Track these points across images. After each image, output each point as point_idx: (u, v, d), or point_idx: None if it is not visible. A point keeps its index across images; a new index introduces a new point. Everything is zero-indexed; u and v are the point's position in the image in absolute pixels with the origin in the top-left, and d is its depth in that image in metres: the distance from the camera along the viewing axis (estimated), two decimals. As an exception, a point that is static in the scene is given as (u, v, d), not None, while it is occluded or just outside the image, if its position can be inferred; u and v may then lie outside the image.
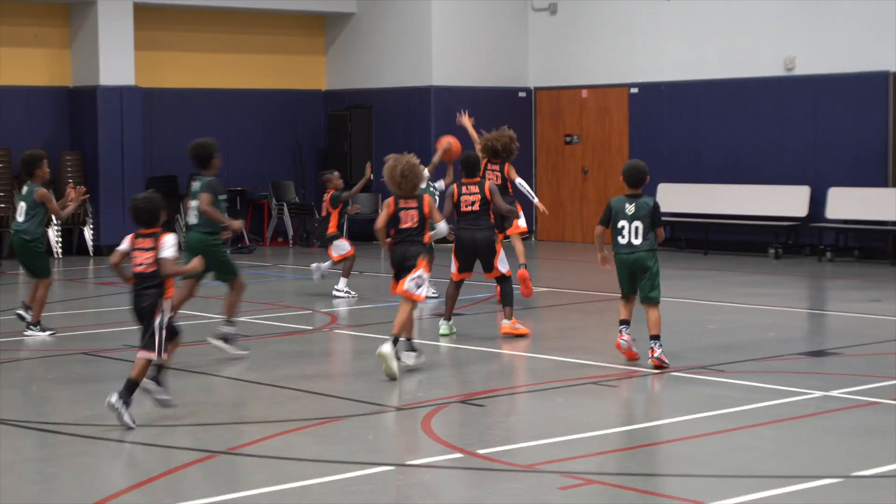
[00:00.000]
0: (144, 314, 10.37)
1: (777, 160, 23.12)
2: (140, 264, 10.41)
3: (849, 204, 22.15)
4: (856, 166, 22.22)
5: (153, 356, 10.33)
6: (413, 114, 25.92)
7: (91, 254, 23.77)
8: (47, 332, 14.55)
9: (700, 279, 19.86)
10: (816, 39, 22.73)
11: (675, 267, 21.26)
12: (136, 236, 10.50)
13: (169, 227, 24.61)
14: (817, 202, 22.54)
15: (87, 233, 23.98)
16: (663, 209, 24.07)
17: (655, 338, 12.35)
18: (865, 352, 13.21)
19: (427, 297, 14.17)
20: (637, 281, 12.49)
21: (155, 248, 10.36)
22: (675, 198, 24.24)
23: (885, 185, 21.91)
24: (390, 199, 12.59)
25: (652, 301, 12.46)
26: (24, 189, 14.52)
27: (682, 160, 24.44)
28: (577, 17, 25.99)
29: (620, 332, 12.57)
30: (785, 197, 22.90)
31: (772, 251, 22.66)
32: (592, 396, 11.33)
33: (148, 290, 10.34)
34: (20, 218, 14.41)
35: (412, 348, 12.51)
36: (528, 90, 26.87)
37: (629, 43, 25.25)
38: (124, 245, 10.52)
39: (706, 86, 24.12)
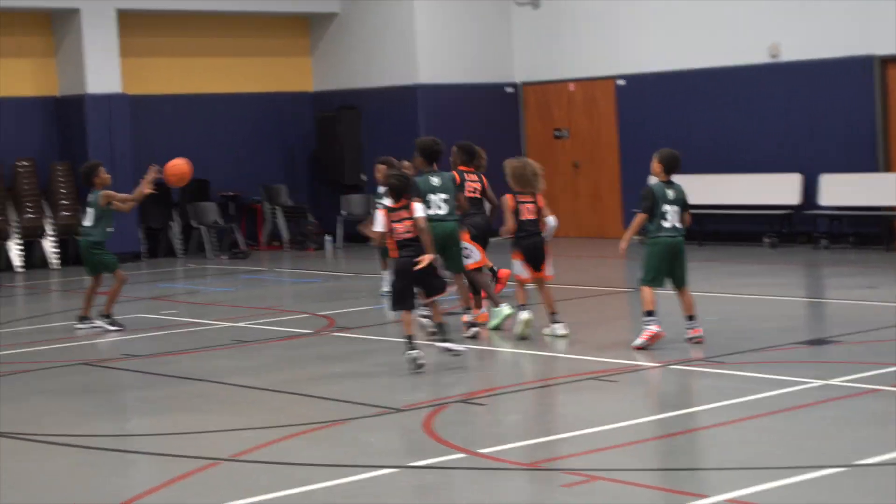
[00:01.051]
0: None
1: (767, 148, 23.12)
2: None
3: (841, 190, 22.15)
4: (846, 152, 22.23)
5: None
6: (401, 113, 25.90)
7: (85, 263, 23.73)
8: (115, 328, 15.45)
9: (695, 270, 19.70)
10: (800, 26, 22.72)
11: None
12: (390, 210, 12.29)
13: (164, 235, 24.79)
14: (810, 189, 22.55)
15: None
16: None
17: (693, 318, 13.08)
18: (865, 339, 13.21)
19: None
20: (672, 265, 13.06)
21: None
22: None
23: (875, 169, 21.93)
24: (509, 196, 13.76)
25: (686, 284, 13.23)
26: (90, 197, 15.51)
27: (672, 151, 24.38)
28: (561, 10, 25.97)
29: (656, 322, 12.92)
30: (777, 185, 22.90)
31: (766, 240, 22.66)
32: (593, 392, 11.33)
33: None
34: (87, 223, 15.43)
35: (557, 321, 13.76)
36: (514, 85, 26.85)
37: (614, 34, 25.23)
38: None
39: (693, 75, 24.12)
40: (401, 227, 12.32)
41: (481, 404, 10.90)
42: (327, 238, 25.93)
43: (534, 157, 26.39)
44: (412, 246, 12.30)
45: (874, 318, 14.52)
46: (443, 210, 13.85)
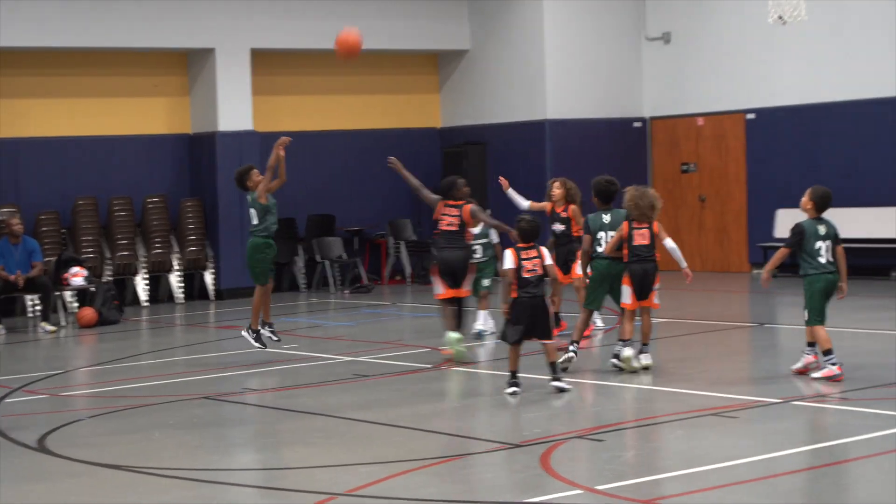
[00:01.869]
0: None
1: (895, 182, 22.75)
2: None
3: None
4: (979, 185, 21.82)
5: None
6: (528, 148, 25.92)
7: (212, 297, 24.06)
8: (274, 338, 15.86)
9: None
10: (934, 58, 22.41)
11: (796, 294, 20.95)
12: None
13: (288, 269, 25.04)
14: (941, 223, 22.17)
15: (209, 277, 24.28)
16: (780, 235, 24.00)
17: (830, 351, 12.99)
18: None
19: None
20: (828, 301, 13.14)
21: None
22: (794, 223, 23.91)
23: None
24: (624, 223, 13.87)
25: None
26: (248, 198, 15.75)
27: (800, 185, 23.87)
28: (691, 44, 25.85)
29: (834, 363, 12.92)
30: (906, 218, 22.53)
31: (894, 274, 22.29)
32: (713, 428, 11.21)
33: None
34: (254, 221, 15.75)
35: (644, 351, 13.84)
36: (643, 120, 26.75)
37: (744, 69, 25.06)
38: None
39: (823, 109, 23.84)
40: (528, 265, 12.67)
41: (599, 440, 10.83)
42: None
43: (660, 191, 26.26)
44: (533, 284, 12.67)
45: None
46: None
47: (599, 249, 14.20)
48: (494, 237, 16.94)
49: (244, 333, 15.83)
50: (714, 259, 25.62)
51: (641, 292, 13.91)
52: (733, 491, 9.15)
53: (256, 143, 24.46)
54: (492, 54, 26.61)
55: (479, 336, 16.80)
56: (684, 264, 14.14)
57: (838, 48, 23.59)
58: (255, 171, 15.90)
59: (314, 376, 14.78)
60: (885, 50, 22.98)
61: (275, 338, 15.78)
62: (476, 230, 16.46)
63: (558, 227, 16.66)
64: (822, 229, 13.23)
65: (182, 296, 23.94)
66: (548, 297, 13.06)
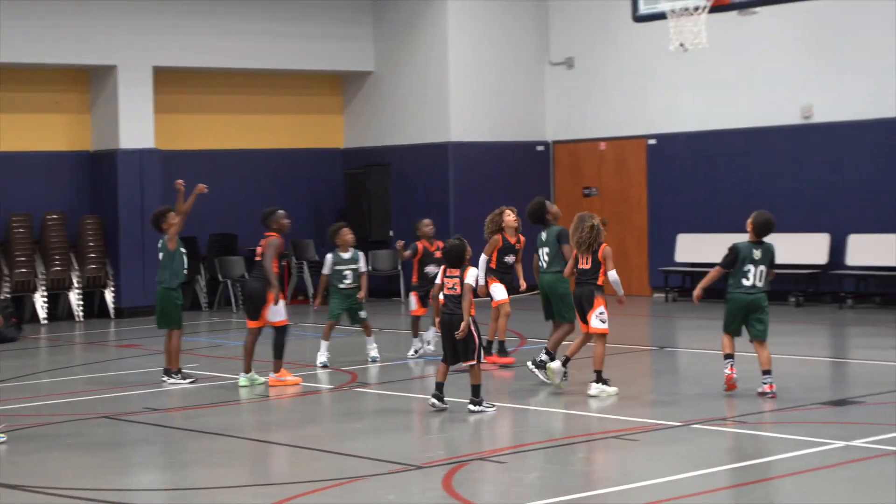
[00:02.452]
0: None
1: (796, 208, 23.09)
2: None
3: (869, 251, 22.12)
4: (875, 213, 22.19)
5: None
6: (431, 170, 25.98)
7: (112, 316, 23.83)
8: (188, 381, 15.47)
9: (720, 329, 19.77)
10: (833, 87, 22.76)
11: (695, 317, 21.22)
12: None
13: (190, 288, 24.90)
14: (837, 249, 22.51)
15: (108, 295, 24.05)
16: (681, 259, 24.28)
17: (768, 373, 13.39)
18: (888, 400, 13.16)
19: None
20: (747, 319, 13.62)
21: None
22: (694, 248, 24.24)
23: (904, 231, 21.88)
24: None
25: (763, 338, 13.59)
26: (160, 243, 15.71)
27: (700, 210, 24.44)
28: (594, 70, 26.08)
29: (731, 366, 13.56)
30: (805, 245, 22.86)
31: (792, 299, 22.62)
32: (614, 451, 11.30)
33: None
34: (161, 268, 15.60)
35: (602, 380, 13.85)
36: (545, 144, 26.93)
37: (646, 95, 25.32)
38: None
39: (724, 135, 24.15)
40: (449, 283, 13.08)
41: (502, 462, 10.87)
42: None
43: (563, 215, 26.60)
44: (454, 303, 13.01)
45: (899, 380, 14.47)
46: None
47: (543, 265, 15.13)
48: (363, 265, 16.95)
49: (169, 379, 15.60)
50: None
51: (581, 314, 14.21)
52: (634, 513, 9.24)
53: (158, 161, 24.31)
54: (396, 76, 26.66)
55: (373, 361, 16.79)
56: (621, 292, 14.27)
57: (738, 76, 23.92)
58: (173, 213, 15.79)
59: (216, 396, 14.70)
60: (784, 78, 23.33)
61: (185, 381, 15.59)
62: (346, 255, 16.74)
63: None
64: (757, 254, 13.77)
65: (81, 314, 23.70)
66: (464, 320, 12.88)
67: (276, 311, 15.14)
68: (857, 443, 10.95)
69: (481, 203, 25.95)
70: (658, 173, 25.16)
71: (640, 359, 17.15)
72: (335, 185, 27.36)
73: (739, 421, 12.17)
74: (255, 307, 15.22)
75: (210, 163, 25.81)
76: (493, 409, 13.03)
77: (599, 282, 14.11)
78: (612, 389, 13.83)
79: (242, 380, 15.16)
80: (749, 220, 14.07)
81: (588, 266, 14.14)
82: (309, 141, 27.30)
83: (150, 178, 24.22)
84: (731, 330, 13.75)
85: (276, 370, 15.16)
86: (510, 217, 16.49)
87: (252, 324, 15.26)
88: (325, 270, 16.90)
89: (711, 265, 23.40)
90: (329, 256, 16.91)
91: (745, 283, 13.67)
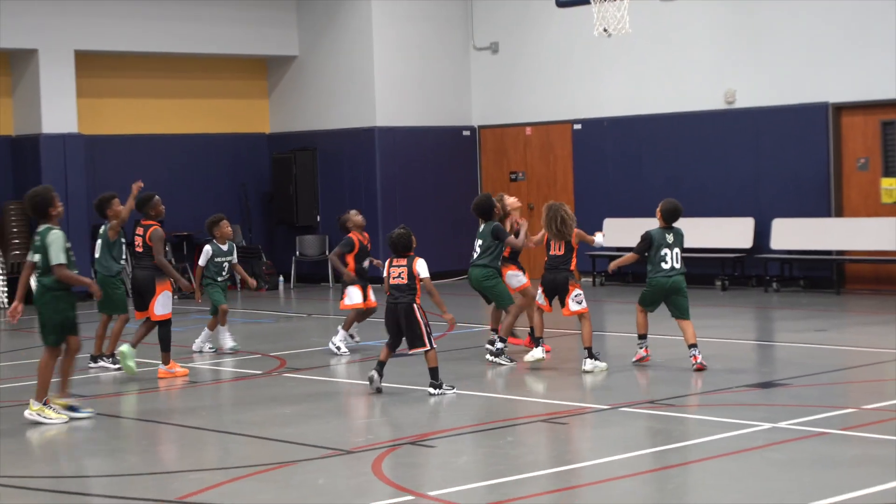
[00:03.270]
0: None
1: (721, 192, 23.28)
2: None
3: (792, 234, 22.34)
4: (798, 197, 22.40)
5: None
6: (357, 155, 25.94)
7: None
8: (117, 366, 15.32)
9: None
10: (756, 72, 22.94)
11: (622, 301, 21.34)
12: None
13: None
14: (762, 233, 22.72)
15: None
16: (609, 244, 24.41)
17: (695, 346, 14.12)
18: (813, 382, 13.30)
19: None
20: (668, 300, 14.38)
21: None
22: (621, 232, 24.31)
23: (827, 214, 22.11)
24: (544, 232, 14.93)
25: (687, 316, 14.36)
26: (101, 229, 15.69)
27: (626, 195, 24.57)
28: (519, 55, 26.12)
29: (645, 347, 14.54)
30: (730, 229, 23.05)
31: (718, 283, 22.80)
32: (542, 434, 11.34)
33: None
34: (97, 254, 15.61)
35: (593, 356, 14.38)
36: (472, 128, 26.96)
37: (571, 80, 25.41)
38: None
39: (648, 120, 24.29)
40: (394, 273, 13.27)
41: (431, 446, 10.88)
42: (280, 278, 25.97)
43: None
44: (399, 290, 13.25)
45: (823, 362, 14.64)
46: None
47: (473, 256, 15.38)
48: (235, 258, 16.95)
49: (100, 363, 15.53)
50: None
51: (556, 298, 14.79)
52: (565, 496, 9.27)
53: (81, 146, 24.10)
54: (321, 60, 26.58)
55: (234, 350, 16.74)
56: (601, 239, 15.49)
57: (662, 61, 24.05)
58: (118, 200, 15.68)
59: (144, 382, 14.61)
60: (707, 63, 23.49)
61: (114, 367, 15.47)
62: (225, 248, 16.84)
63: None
64: (670, 238, 14.40)
65: (6, 300, 23.45)
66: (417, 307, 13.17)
67: (164, 304, 15.00)
68: (782, 424, 11.06)
69: (408, 188, 26.04)
70: (584, 158, 25.26)
71: (568, 343, 17.21)
72: (262, 169, 27.25)
73: (667, 404, 12.25)
74: (143, 299, 15.15)
75: (134, 148, 25.64)
76: (453, 390, 13.24)
77: (572, 267, 14.72)
78: (603, 364, 14.38)
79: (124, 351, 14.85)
80: (658, 208, 14.60)
81: (561, 252, 14.75)
82: (234, 125, 27.17)
83: (74, 163, 24.00)
84: (649, 308, 14.61)
85: (165, 362, 14.94)
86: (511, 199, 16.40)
87: (140, 315, 15.23)
88: (202, 262, 16.78)
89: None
90: (208, 248, 16.79)
91: (665, 266, 14.35)
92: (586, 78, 25.18)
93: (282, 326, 18.87)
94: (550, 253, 14.81)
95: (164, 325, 14.96)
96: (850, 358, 15.12)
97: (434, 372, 13.23)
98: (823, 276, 22.18)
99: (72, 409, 12.48)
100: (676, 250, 14.42)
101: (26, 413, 12.43)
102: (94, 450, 11.44)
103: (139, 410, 12.84)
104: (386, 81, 25.83)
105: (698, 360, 14.00)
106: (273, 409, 12.84)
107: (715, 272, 22.95)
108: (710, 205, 23.36)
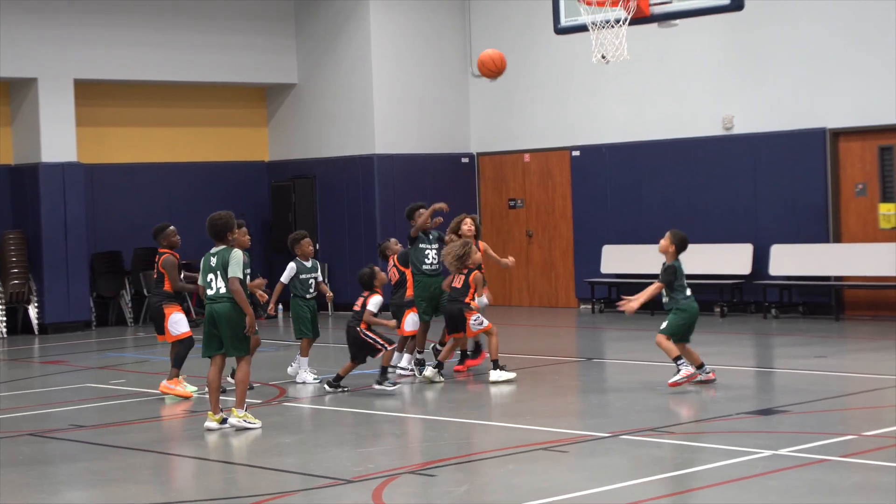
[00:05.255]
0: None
1: (719, 219, 23.31)
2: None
3: (791, 260, 22.36)
4: (797, 223, 22.43)
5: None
6: (356, 182, 25.98)
7: (36, 332, 23.62)
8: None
9: (646, 340, 19.88)
10: (753, 98, 23.00)
11: (621, 328, 21.35)
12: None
13: (115, 303, 24.74)
14: (760, 259, 22.74)
15: (32, 311, 23.82)
16: (606, 271, 24.44)
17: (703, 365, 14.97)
18: (813, 409, 13.30)
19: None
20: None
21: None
22: (620, 259, 24.39)
23: (826, 240, 22.13)
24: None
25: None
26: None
27: (625, 221, 24.60)
28: (518, 82, 26.16)
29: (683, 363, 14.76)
30: (728, 255, 23.07)
31: (717, 309, 22.80)
32: (543, 462, 11.33)
33: None
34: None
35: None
36: (470, 155, 27.01)
37: (570, 106, 25.46)
38: None
39: (647, 147, 24.32)
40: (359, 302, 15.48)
41: (431, 475, 10.87)
42: (280, 307, 25.91)
43: (488, 226, 26.83)
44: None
45: (822, 388, 14.63)
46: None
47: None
48: (319, 274, 16.95)
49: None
50: (541, 294, 25.91)
51: (454, 328, 15.80)
52: (565, 524, 9.27)
53: (81, 175, 24.14)
54: (320, 88, 26.64)
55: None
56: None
57: (660, 87, 24.11)
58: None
59: (143, 412, 14.60)
60: (705, 89, 23.54)
61: None
62: (308, 263, 16.71)
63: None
64: (683, 267, 15.07)
65: (4, 330, 23.46)
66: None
67: (177, 324, 15.40)
68: (782, 451, 11.06)
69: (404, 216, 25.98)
70: (582, 184, 25.29)
71: (568, 370, 17.22)
72: (261, 198, 27.29)
73: (667, 431, 12.25)
74: (158, 325, 15.60)
75: (134, 176, 25.69)
76: (395, 387, 15.09)
77: (467, 299, 15.71)
78: (510, 374, 15.49)
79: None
80: (667, 241, 15.14)
81: (459, 286, 15.74)
82: (234, 154, 27.22)
83: (73, 192, 24.03)
84: (686, 339, 15.01)
85: (170, 377, 15.24)
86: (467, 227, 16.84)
87: (161, 338, 15.71)
88: (285, 279, 16.65)
89: (637, 276, 23.86)
90: (292, 265, 16.65)
91: (689, 293, 15.09)
92: (585, 104, 25.23)
93: (281, 355, 18.84)
94: (452, 285, 15.85)
95: (182, 344, 15.36)
96: (850, 384, 15.12)
97: (384, 371, 15.19)
98: (822, 301, 22.18)
99: (224, 421, 13.11)
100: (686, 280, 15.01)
101: (231, 420, 13.03)
102: (92, 480, 11.41)
103: (139, 440, 12.82)
104: (385, 109, 25.89)
105: (714, 377, 14.93)
106: (273, 439, 12.83)
107: (714, 299, 22.95)
108: (708, 231, 23.38)
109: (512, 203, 26.52)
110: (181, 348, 15.35)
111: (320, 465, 11.34)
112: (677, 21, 20.29)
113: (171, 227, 15.84)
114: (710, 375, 15.00)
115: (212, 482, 11.16)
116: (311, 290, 16.56)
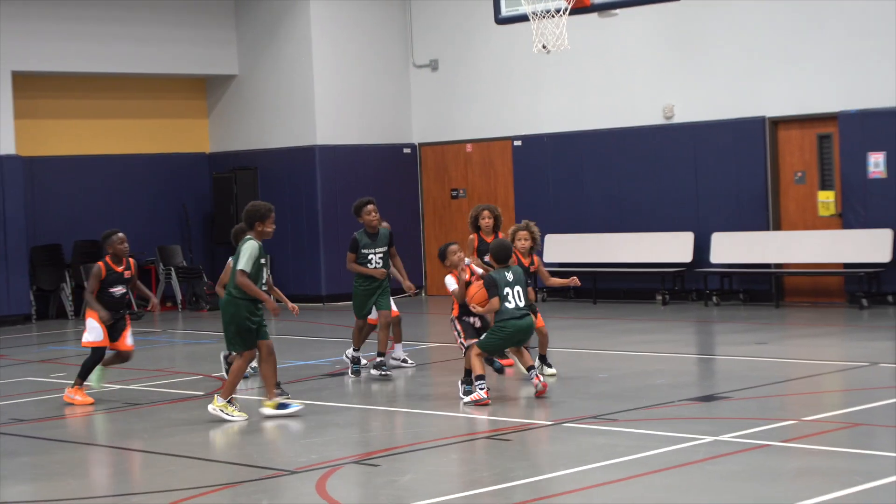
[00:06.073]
0: None
1: (660, 207, 23.42)
2: None
3: (732, 248, 22.50)
4: (737, 211, 22.57)
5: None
6: (299, 173, 25.92)
7: (-23, 326, 23.44)
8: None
9: (589, 328, 20.01)
10: (694, 88, 23.11)
11: (564, 317, 21.41)
12: None
13: (55, 296, 24.56)
14: (701, 247, 22.87)
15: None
16: (551, 260, 24.47)
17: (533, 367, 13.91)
18: (754, 394, 13.39)
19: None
20: (519, 340, 13.61)
21: None
22: (562, 248, 24.45)
23: (765, 228, 22.28)
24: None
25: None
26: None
27: (567, 210, 24.67)
28: (459, 72, 26.19)
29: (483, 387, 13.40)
30: (669, 243, 23.19)
31: (659, 297, 22.92)
32: (486, 451, 11.36)
33: None
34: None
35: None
36: (412, 146, 27.00)
37: (511, 96, 25.50)
38: None
39: (588, 136, 24.39)
40: None
41: (375, 465, 10.87)
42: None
43: (431, 217, 26.83)
44: None
45: (763, 374, 14.73)
46: None
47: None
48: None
49: None
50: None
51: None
52: (509, 512, 9.29)
53: (20, 168, 23.94)
54: (261, 79, 26.55)
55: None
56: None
57: (601, 77, 24.18)
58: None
59: (83, 406, 14.49)
60: (646, 79, 23.64)
61: None
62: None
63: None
64: (509, 276, 13.48)
65: (-59, 323, 23.28)
66: None
67: (90, 331, 14.62)
68: (724, 437, 11.12)
69: (350, 206, 25.89)
70: (524, 174, 25.34)
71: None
72: (202, 189, 27.17)
73: (610, 419, 12.29)
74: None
75: (74, 168, 25.51)
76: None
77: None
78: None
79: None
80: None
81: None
82: (175, 145, 27.08)
83: (12, 185, 23.84)
84: (493, 353, 14.03)
85: (73, 385, 14.58)
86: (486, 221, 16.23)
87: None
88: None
89: (580, 265, 23.89)
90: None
91: (509, 306, 13.42)
92: (526, 94, 25.27)
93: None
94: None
95: (93, 353, 14.56)
96: (790, 370, 15.24)
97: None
98: (763, 289, 22.34)
99: (282, 406, 13.07)
100: (518, 288, 13.46)
101: (210, 407, 12.99)
102: (34, 474, 11.34)
103: (80, 434, 12.74)
104: (326, 100, 25.84)
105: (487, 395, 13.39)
106: (216, 430, 12.78)
107: (655, 287, 23.07)
108: (649, 219, 23.50)
109: (454, 193, 26.54)
110: (89, 357, 14.56)
111: (263, 457, 11.32)
112: (617, 11, 20.40)
113: (118, 235, 14.69)
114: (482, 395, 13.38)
115: (154, 475, 11.10)
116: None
